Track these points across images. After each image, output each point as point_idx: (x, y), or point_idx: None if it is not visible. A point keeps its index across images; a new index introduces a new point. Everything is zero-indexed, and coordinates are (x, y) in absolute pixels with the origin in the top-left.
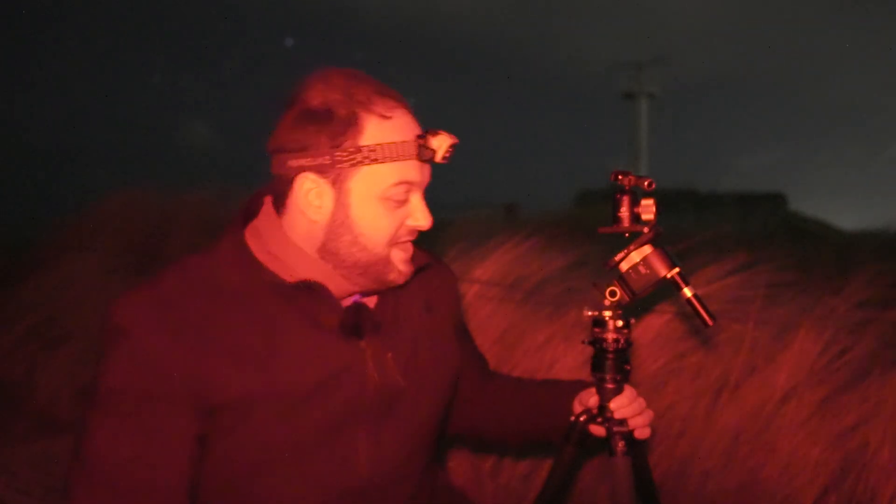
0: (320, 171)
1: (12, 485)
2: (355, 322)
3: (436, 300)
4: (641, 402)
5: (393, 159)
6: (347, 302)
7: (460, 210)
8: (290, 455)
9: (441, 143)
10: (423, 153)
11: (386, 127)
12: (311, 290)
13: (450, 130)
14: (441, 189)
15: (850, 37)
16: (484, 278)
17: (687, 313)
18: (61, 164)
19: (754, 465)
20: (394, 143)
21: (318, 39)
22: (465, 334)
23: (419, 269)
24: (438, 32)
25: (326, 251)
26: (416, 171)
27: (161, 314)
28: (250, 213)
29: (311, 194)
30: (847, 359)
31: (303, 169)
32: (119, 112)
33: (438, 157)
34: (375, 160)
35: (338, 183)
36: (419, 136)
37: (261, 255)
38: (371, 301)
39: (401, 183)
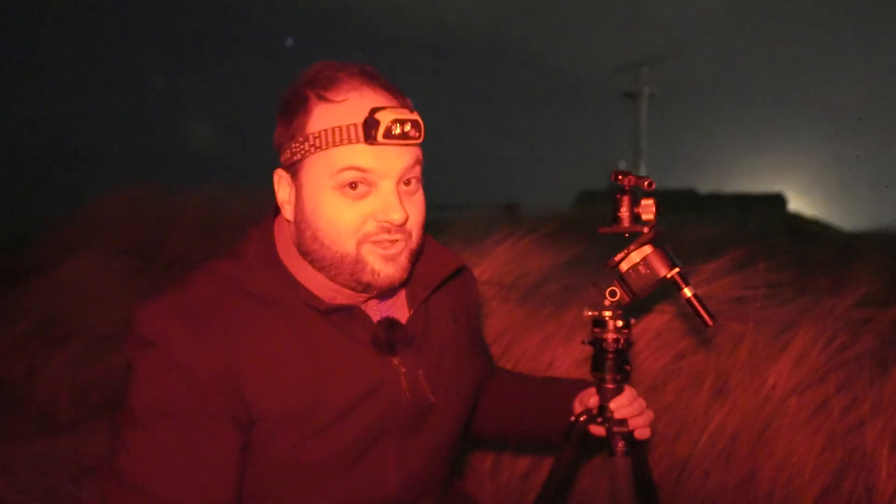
0: (287, 167)
1: (12, 485)
2: (388, 338)
3: (460, 309)
4: (641, 402)
5: (336, 144)
6: (377, 316)
7: (461, 210)
8: (321, 472)
9: (383, 119)
10: (369, 134)
11: (334, 111)
12: (346, 311)
13: (451, 130)
14: (442, 190)
15: (854, 36)
16: (483, 278)
17: (687, 313)
18: (61, 164)
19: (754, 464)
20: (338, 126)
21: (319, 39)
22: (482, 341)
23: (450, 276)
24: (440, 32)
25: (303, 252)
26: (369, 157)
27: (190, 323)
28: (276, 212)
29: (282, 192)
30: (846, 358)
31: (278, 167)
32: (119, 112)
33: (380, 136)
34: (319, 147)
35: (297, 176)
36: (367, 118)
37: (288, 262)
38: (402, 314)
39: (348, 168)
